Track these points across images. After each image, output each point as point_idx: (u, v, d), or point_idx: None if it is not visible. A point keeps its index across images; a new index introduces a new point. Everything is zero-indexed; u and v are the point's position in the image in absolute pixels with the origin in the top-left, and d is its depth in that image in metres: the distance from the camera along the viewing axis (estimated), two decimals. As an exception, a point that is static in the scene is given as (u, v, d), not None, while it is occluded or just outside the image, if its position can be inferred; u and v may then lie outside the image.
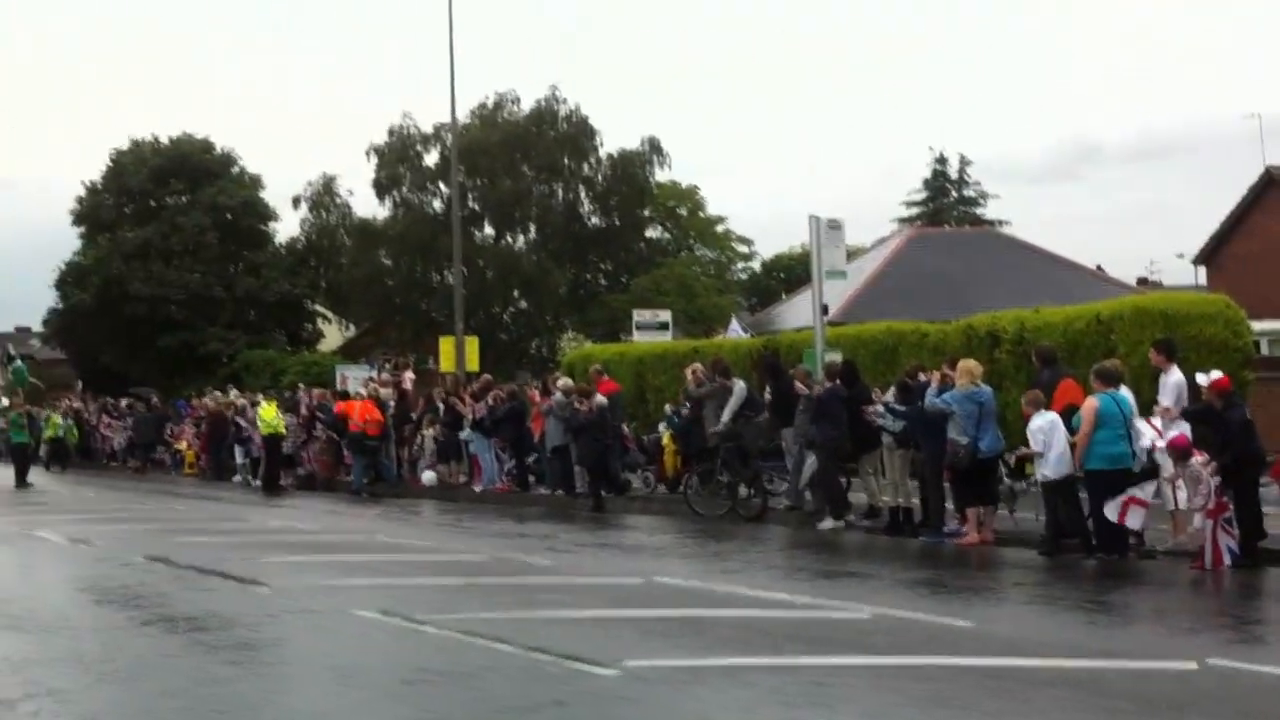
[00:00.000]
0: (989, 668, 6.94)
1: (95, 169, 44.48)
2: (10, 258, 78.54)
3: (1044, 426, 11.41)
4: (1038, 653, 7.31)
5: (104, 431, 32.92)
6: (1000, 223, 53.63)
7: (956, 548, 12.16)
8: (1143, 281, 45.07)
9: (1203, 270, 35.91)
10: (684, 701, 6.42)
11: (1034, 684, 6.63)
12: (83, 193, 43.86)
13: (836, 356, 15.76)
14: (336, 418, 22.60)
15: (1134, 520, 10.83)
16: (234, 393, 29.30)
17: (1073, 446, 11.14)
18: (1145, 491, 10.85)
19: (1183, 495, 10.74)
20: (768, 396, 15.66)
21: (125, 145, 43.99)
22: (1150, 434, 11.04)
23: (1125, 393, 11.30)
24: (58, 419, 32.30)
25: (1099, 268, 39.84)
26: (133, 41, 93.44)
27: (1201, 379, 10.95)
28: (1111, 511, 10.72)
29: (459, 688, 6.72)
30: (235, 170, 44.01)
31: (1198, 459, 10.45)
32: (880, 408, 13.24)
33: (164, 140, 43.83)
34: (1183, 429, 10.99)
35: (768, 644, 7.73)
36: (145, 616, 8.94)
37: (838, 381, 14.14)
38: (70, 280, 42.64)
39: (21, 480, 24.94)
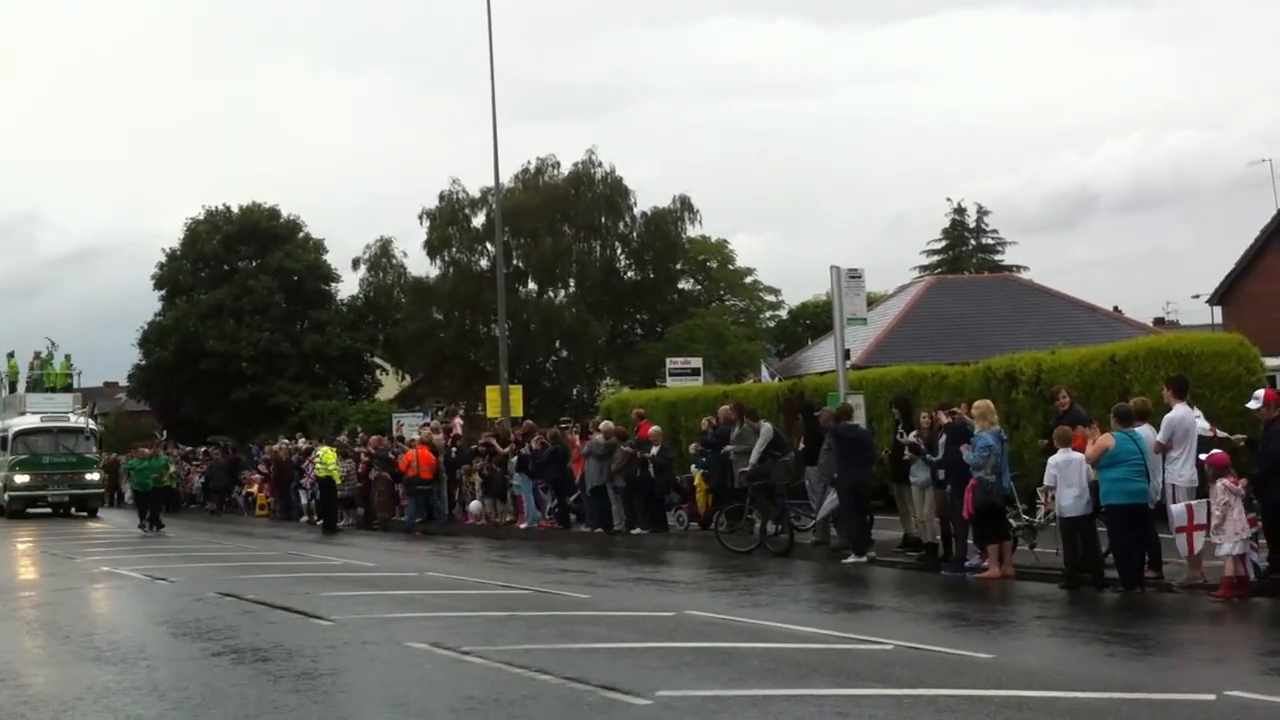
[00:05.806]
0: (1009, 699, 6.80)
1: (173, 237, 45.68)
2: (99, 320, 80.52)
3: (1059, 463, 11.24)
4: (1057, 684, 7.15)
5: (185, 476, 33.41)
6: (1018, 268, 53.21)
7: (978, 582, 11.97)
8: (1159, 322, 44.31)
9: (1219, 310, 35.30)
10: (714, 730, 6.35)
11: (1053, 714, 6.48)
12: (163, 259, 45.17)
13: (858, 399, 15.73)
14: (394, 463, 22.80)
15: (1199, 545, 10.41)
16: (301, 440, 29.64)
17: (1093, 486, 10.96)
18: (1200, 514, 10.33)
19: (1197, 539, 10.45)
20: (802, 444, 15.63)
21: (200, 214, 45.25)
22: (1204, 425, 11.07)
23: (1145, 430, 11.11)
24: (173, 468, 32.78)
25: (1116, 309, 39.28)
26: (204, 116, 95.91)
27: (1251, 404, 10.65)
28: (1182, 546, 10.42)
29: (502, 715, 6.69)
30: (300, 236, 44.99)
31: (1227, 482, 10.16)
32: (915, 442, 13.17)
33: (235, 209, 44.90)
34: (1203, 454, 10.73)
35: (793, 675, 7.63)
36: (216, 648, 9.02)
37: (851, 420, 14.15)
38: (152, 339, 43.65)
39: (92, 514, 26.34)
